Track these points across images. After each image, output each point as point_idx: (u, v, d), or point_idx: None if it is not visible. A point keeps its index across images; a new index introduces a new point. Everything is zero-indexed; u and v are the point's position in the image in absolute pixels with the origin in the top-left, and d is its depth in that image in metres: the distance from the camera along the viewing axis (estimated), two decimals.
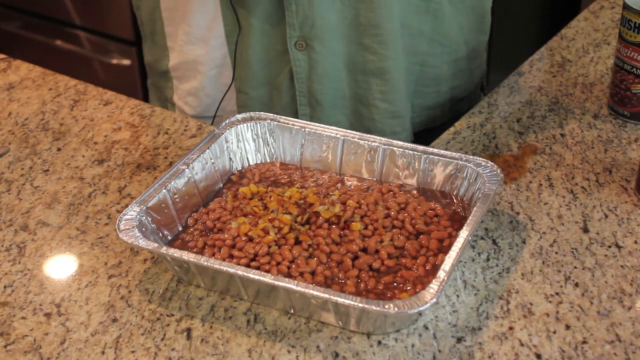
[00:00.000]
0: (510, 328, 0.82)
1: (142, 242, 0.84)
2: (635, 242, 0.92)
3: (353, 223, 0.89)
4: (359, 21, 1.11)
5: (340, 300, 0.77)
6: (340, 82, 1.16)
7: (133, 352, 0.80)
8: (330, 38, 1.12)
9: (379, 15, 1.11)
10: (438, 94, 1.23)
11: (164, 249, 0.84)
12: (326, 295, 0.77)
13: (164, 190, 0.92)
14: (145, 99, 1.39)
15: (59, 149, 1.10)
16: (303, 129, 1.01)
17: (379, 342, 0.80)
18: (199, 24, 1.15)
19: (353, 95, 1.17)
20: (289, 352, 0.80)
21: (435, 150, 0.97)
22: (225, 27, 1.14)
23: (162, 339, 0.82)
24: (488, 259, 0.90)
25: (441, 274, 0.79)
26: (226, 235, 0.88)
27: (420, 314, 0.83)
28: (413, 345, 0.80)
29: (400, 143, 0.98)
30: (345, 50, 1.14)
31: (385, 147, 0.98)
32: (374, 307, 0.76)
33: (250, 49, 1.14)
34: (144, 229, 0.87)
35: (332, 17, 1.11)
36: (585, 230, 0.94)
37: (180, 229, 0.93)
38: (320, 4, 1.09)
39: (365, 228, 0.89)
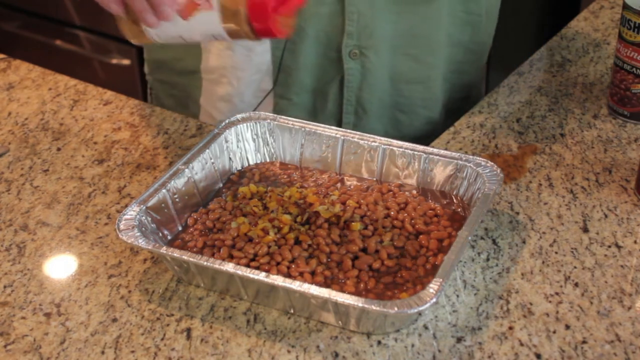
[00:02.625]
0: (510, 328, 0.82)
1: (142, 242, 0.84)
2: (635, 242, 0.92)
3: (353, 223, 0.89)
4: (411, 32, 1.13)
5: (340, 300, 0.77)
6: (384, 92, 1.17)
7: (133, 352, 0.80)
8: (382, 48, 1.13)
9: (430, 26, 1.13)
10: (467, 101, 1.25)
11: (163, 249, 0.84)
12: (326, 295, 0.77)
13: (164, 190, 0.92)
14: (145, 98, 1.38)
15: (58, 149, 1.10)
16: (303, 129, 1.01)
17: (379, 342, 0.80)
18: None
19: (393, 103, 1.19)
20: (288, 352, 0.80)
21: (435, 150, 0.97)
22: None
23: (162, 339, 0.82)
24: (488, 259, 0.90)
25: (441, 273, 0.79)
26: (226, 235, 0.88)
27: (420, 314, 0.83)
28: (413, 345, 0.80)
29: (400, 143, 0.98)
30: (391, 60, 1.15)
31: (385, 147, 0.98)
32: (374, 307, 0.76)
33: (301, 55, 1.13)
34: (143, 229, 0.87)
35: (387, 27, 1.12)
36: (585, 230, 0.94)
37: (180, 229, 0.93)
38: (380, 15, 1.10)
39: (365, 228, 0.89)
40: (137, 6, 0.82)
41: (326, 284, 0.84)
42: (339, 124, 1.19)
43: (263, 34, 0.81)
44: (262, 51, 1.14)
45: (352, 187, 0.98)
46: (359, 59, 1.13)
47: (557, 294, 0.85)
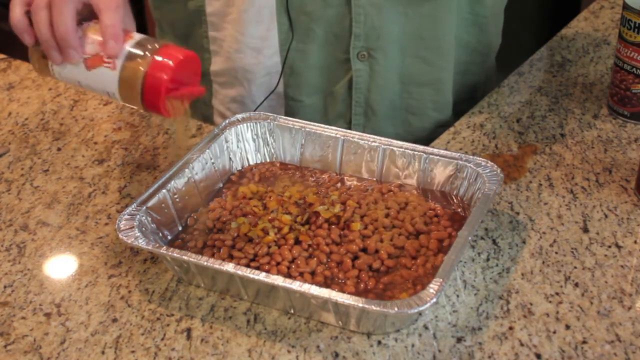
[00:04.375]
0: (510, 328, 0.82)
1: (142, 242, 0.84)
2: (635, 242, 0.92)
3: (353, 223, 0.89)
4: (420, 34, 1.13)
5: (340, 300, 0.77)
6: (394, 94, 1.17)
7: (133, 352, 0.80)
8: (391, 50, 1.13)
9: (440, 29, 1.13)
10: (473, 102, 1.25)
11: (164, 249, 0.84)
12: (326, 295, 0.77)
13: (164, 190, 0.92)
14: None
15: (59, 149, 1.10)
16: (303, 129, 1.01)
17: (379, 342, 0.80)
18: (253, 34, 1.13)
19: (404, 105, 1.19)
20: (289, 352, 0.80)
21: (435, 150, 0.97)
22: (279, 36, 1.12)
23: (162, 339, 0.82)
24: (488, 259, 0.90)
25: (441, 273, 0.79)
26: (226, 235, 0.88)
27: (420, 314, 0.83)
28: (413, 345, 0.80)
29: (400, 143, 0.98)
30: (401, 63, 1.15)
31: (385, 147, 0.98)
32: (374, 307, 0.76)
33: (309, 56, 1.13)
34: (144, 229, 0.87)
35: (395, 29, 1.12)
36: (585, 230, 0.94)
37: (180, 229, 0.93)
38: (388, 17, 1.10)
39: (365, 228, 0.89)
40: (45, 43, 0.86)
41: (326, 284, 0.84)
42: (349, 125, 1.18)
43: (151, 109, 0.85)
44: (271, 54, 1.14)
45: (352, 187, 0.98)
46: (367, 61, 1.12)
47: (557, 294, 0.85)
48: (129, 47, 0.84)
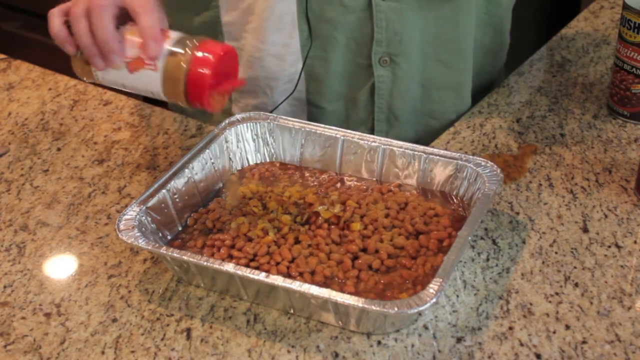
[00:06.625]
0: (510, 328, 0.82)
1: (142, 242, 0.84)
2: (635, 242, 0.92)
3: (353, 223, 0.89)
4: (441, 38, 1.13)
5: (340, 300, 0.77)
6: (416, 99, 1.17)
7: (133, 352, 0.80)
8: (413, 55, 1.13)
9: (460, 31, 1.13)
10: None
11: (163, 249, 0.84)
12: (326, 295, 0.77)
13: (164, 190, 0.92)
14: (145, 99, 1.37)
15: (58, 149, 1.10)
16: (303, 129, 1.01)
17: (379, 342, 0.80)
18: (275, 41, 1.12)
19: (426, 110, 1.18)
20: (288, 352, 0.80)
21: (435, 150, 0.97)
22: (301, 42, 1.12)
23: (162, 339, 0.82)
24: (488, 259, 0.90)
25: (441, 274, 0.79)
26: (226, 235, 0.88)
27: (420, 314, 0.83)
28: (413, 345, 0.80)
29: (400, 143, 0.98)
30: (422, 67, 1.14)
31: (385, 147, 0.98)
32: (374, 307, 0.76)
33: (331, 63, 1.12)
34: (143, 229, 0.87)
35: (416, 34, 1.11)
36: (585, 230, 0.94)
37: (180, 229, 0.93)
38: (409, 21, 1.10)
39: (365, 228, 0.89)
40: (87, 50, 0.87)
41: (326, 284, 0.84)
42: (372, 131, 1.17)
43: (196, 105, 0.86)
44: (293, 60, 1.13)
45: (352, 187, 0.98)
46: (389, 66, 1.12)
47: (557, 294, 0.85)
48: (168, 47, 0.85)
